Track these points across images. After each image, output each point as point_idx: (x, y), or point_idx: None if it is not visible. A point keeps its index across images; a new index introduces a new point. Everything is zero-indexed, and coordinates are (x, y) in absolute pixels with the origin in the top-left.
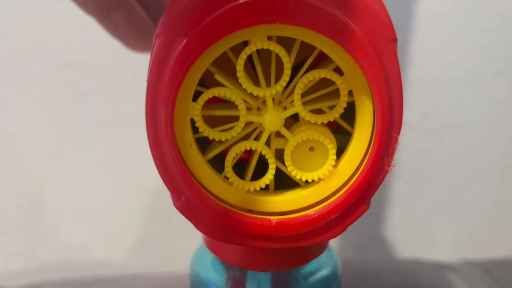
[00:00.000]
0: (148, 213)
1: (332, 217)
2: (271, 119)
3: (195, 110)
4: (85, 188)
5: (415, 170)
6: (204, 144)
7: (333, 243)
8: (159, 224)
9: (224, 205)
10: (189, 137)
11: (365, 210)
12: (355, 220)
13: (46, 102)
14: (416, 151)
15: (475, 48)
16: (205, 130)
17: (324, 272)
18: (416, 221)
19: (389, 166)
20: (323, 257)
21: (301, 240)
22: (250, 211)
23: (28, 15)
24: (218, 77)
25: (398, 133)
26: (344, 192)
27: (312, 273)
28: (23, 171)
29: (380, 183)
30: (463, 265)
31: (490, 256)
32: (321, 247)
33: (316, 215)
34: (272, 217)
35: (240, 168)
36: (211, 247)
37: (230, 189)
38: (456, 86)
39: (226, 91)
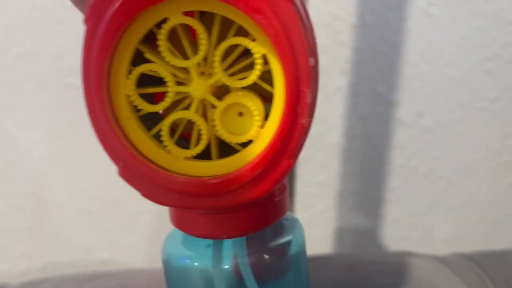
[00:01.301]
0: (152, 214)
1: (256, 173)
2: (196, 87)
3: (128, 86)
4: (88, 189)
5: (411, 168)
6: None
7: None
8: (161, 224)
9: (161, 169)
10: (126, 111)
11: (291, 164)
12: (282, 175)
13: (48, 106)
14: (411, 149)
15: (469, 47)
16: (139, 104)
17: (288, 240)
18: (413, 219)
19: (304, 119)
20: (288, 228)
21: (234, 198)
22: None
23: (29, 21)
24: (148, 55)
25: (307, 87)
26: (264, 149)
27: (276, 242)
28: (27, 174)
29: (300, 137)
30: (453, 257)
31: (482, 250)
32: (275, 214)
33: (240, 173)
34: (204, 177)
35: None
36: (176, 223)
37: (171, 158)
38: (450, 85)
39: (153, 67)
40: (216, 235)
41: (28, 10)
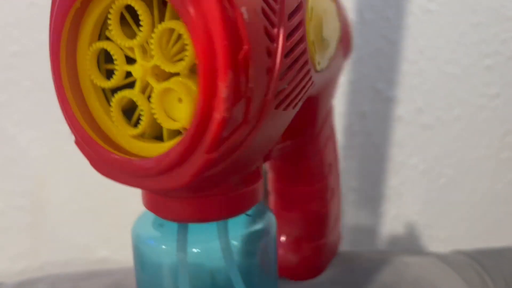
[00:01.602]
0: None
1: (163, 164)
2: (137, 68)
3: (87, 61)
4: (86, 188)
5: (411, 165)
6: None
7: None
8: None
9: (103, 145)
10: (87, 84)
11: (210, 159)
12: (201, 169)
13: (46, 104)
14: (411, 146)
15: (468, 43)
16: (94, 78)
17: (258, 230)
18: (412, 216)
19: (219, 114)
20: (259, 218)
21: (155, 184)
22: (134, 155)
23: (26, 18)
24: (107, 33)
25: (224, 81)
26: (181, 139)
27: (246, 230)
28: (25, 172)
29: (218, 131)
30: (453, 254)
31: (482, 248)
32: (241, 204)
33: (152, 161)
34: (133, 158)
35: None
36: (146, 204)
37: (121, 133)
38: (450, 82)
39: (105, 44)
40: (181, 219)
41: (25, 7)
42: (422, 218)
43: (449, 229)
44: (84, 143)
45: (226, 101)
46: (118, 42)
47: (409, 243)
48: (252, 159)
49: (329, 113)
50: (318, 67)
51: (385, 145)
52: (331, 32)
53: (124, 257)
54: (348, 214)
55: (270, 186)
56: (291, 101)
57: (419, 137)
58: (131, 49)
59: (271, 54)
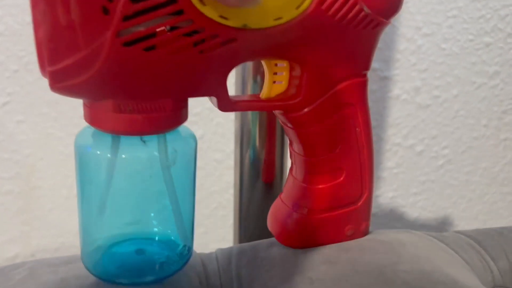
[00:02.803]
0: None
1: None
2: None
3: None
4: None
5: (408, 146)
6: None
7: None
8: None
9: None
10: None
11: (50, 72)
12: (50, 80)
13: (32, 86)
14: (408, 127)
15: (467, 20)
16: None
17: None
18: (410, 198)
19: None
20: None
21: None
22: None
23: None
24: None
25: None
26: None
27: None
28: (13, 157)
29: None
30: (452, 235)
31: (481, 228)
32: (164, 123)
33: None
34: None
35: None
36: (85, 118)
37: None
38: (447, 59)
39: None
40: (108, 130)
41: None
42: (419, 199)
43: (447, 210)
44: None
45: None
46: None
47: (407, 225)
48: (116, 89)
49: (334, 84)
50: (228, 22)
51: (381, 126)
52: None
53: None
54: None
55: (296, 159)
56: (157, 45)
57: (417, 118)
58: None
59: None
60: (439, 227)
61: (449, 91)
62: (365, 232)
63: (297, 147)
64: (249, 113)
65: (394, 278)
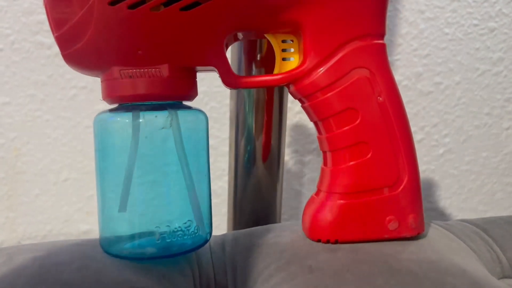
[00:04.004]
0: None
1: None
2: None
3: None
4: (64, 157)
5: None
6: None
7: None
8: None
9: None
10: None
11: (57, 37)
12: (60, 47)
13: (20, 67)
14: (409, 114)
15: (472, 4)
16: None
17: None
18: None
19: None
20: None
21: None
22: None
23: None
24: None
25: None
26: None
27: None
28: None
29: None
30: (457, 224)
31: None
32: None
33: None
34: None
35: None
36: (103, 96)
37: None
38: (450, 45)
39: None
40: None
41: None
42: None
43: (447, 201)
44: None
45: None
46: None
47: None
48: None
49: (340, 47)
50: None
51: None
52: None
53: None
54: None
55: (322, 144)
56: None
57: (418, 105)
58: None
59: None
60: (438, 218)
61: (451, 77)
62: (416, 228)
63: (318, 127)
64: (245, 96)
65: (399, 268)
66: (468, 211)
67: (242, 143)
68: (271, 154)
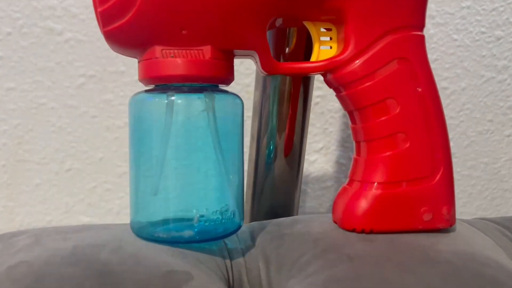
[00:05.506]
0: None
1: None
2: None
3: None
4: (68, 146)
5: None
6: None
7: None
8: None
9: None
10: None
11: (101, 11)
12: (100, 21)
13: (28, 52)
14: None
15: (480, 11)
16: None
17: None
18: None
19: None
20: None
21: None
22: None
23: None
24: None
25: None
26: None
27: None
28: (0, 127)
29: None
30: (478, 221)
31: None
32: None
33: None
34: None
35: None
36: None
37: None
38: (458, 50)
39: None
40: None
41: None
42: None
43: None
44: None
45: None
46: None
47: None
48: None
49: (381, 36)
50: None
51: None
52: None
53: (108, 222)
54: None
55: (356, 134)
56: None
57: None
58: None
59: None
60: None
61: (457, 83)
62: (449, 220)
63: (353, 117)
64: (269, 86)
65: (438, 258)
66: (467, 215)
67: (265, 136)
68: (293, 150)
